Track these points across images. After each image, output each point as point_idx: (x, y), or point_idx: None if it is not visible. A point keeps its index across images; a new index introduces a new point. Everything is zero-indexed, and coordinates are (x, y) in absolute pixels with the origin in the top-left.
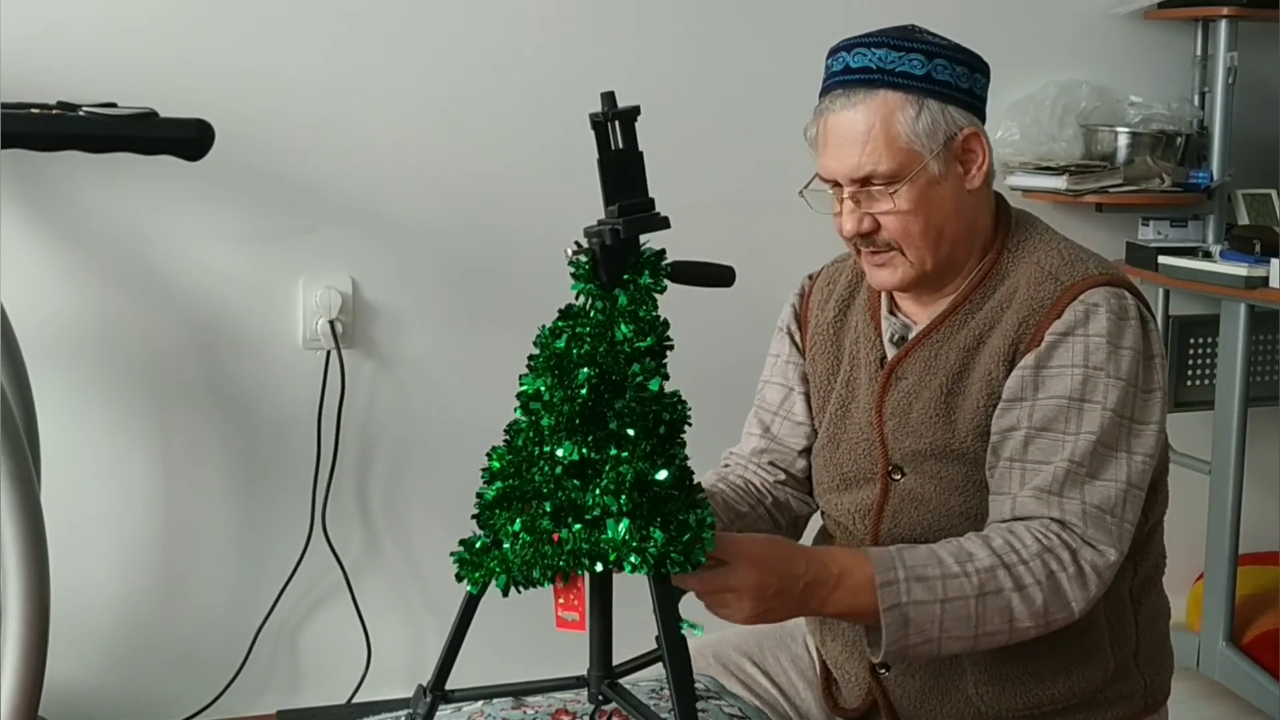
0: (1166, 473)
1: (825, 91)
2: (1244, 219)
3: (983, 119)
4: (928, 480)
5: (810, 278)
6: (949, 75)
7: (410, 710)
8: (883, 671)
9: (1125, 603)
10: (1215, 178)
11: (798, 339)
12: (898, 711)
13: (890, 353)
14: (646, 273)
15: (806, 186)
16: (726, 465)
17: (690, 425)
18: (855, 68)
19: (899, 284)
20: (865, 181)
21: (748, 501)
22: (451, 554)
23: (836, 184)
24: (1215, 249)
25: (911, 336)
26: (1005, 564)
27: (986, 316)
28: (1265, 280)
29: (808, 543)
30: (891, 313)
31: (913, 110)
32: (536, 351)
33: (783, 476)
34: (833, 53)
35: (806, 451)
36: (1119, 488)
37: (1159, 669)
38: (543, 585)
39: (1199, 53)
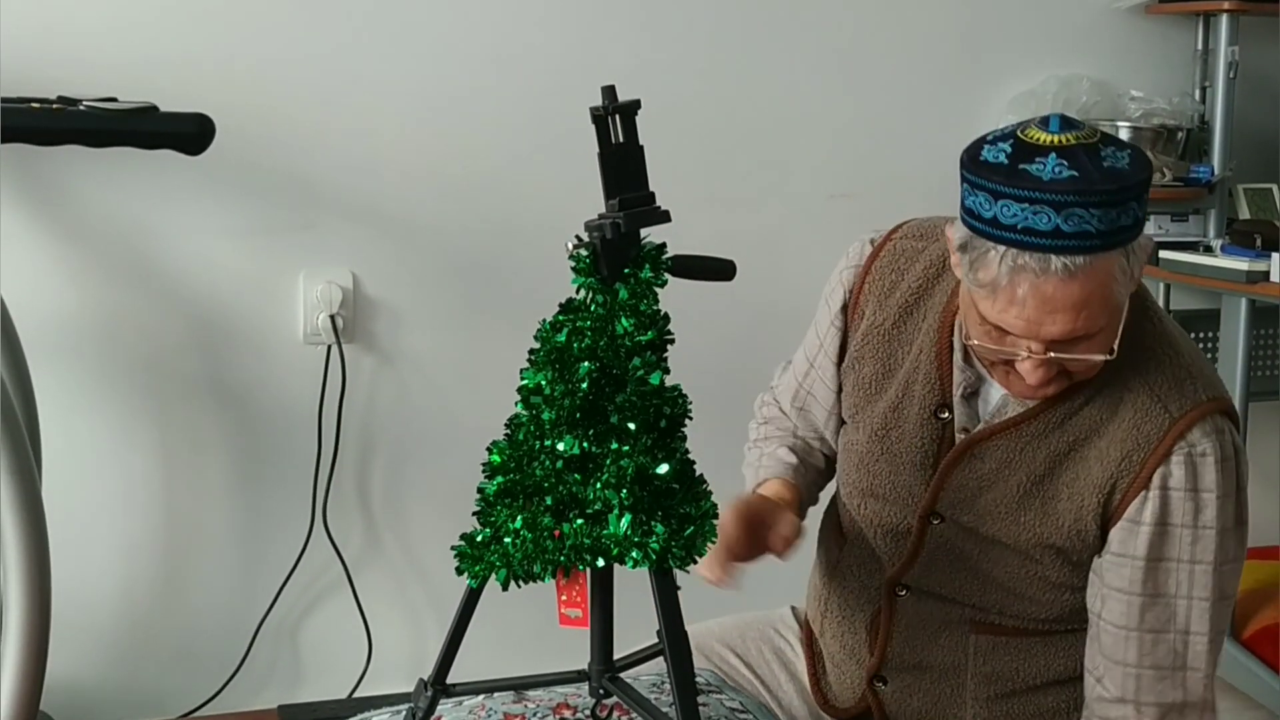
0: None
1: (1024, 246)
2: (1245, 214)
3: None
4: (973, 542)
5: (872, 243)
6: (1146, 209)
7: (411, 704)
8: (879, 685)
9: None
10: (1216, 172)
11: (840, 328)
12: None
13: (960, 411)
14: (647, 267)
15: (980, 341)
16: (766, 422)
17: (691, 419)
18: (1070, 233)
19: (1050, 395)
20: (1069, 340)
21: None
22: (452, 548)
23: (1014, 335)
24: (1216, 244)
25: (1004, 418)
26: None
27: (1086, 421)
28: (1266, 275)
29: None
30: (966, 360)
31: (1127, 263)
32: (537, 345)
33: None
34: (1026, 200)
35: (824, 427)
36: (1211, 657)
37: None
38: (544, 580)
39: (1200, 47)
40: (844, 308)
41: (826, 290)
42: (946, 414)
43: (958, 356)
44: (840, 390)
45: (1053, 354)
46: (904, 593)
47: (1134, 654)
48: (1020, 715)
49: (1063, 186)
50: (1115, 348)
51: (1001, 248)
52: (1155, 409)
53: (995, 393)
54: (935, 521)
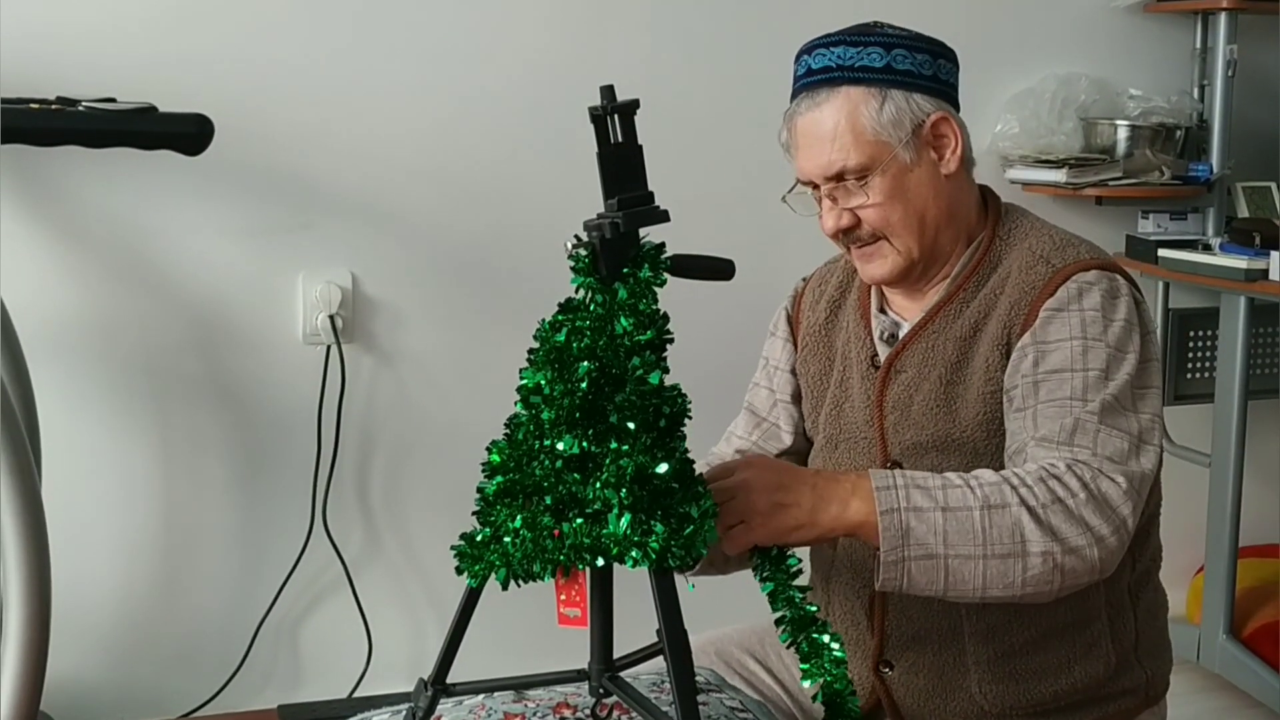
0: (1160, 466)
1: (793, 96)
2: (1243, 212)
3: (954, 105)
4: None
5: (804, 280)
6: (909, 64)
7: (411, 704)
8: (885, 670)
9: (1124, 596)
10: (1215, 170)
11: (789, 342)
12: (901, 711)
13: (881, 351)
14: (646, 266)
15: (790, 191)
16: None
17: (690, 418)
18: (816, 68)
19: (890, 274)
20: (839, 178)
21: None
22: (452, 548)
23: (814, 185)
24: (1215, 242)
25: (906, 330)
26: (1011, 484)
27: (981, 304)
28: (1265, 273)
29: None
30: (882, 310)
31: (875, 102)
32: (536, 345)
33: None
34: (797, 57)
35: (784, 455)
36: (1130, 439)
37: (1159, 662)
38: (543, 580)
39: (1198, 45)
40: (789, 320)
41: (770, 324)
42: (879, 360)
43: (874, 309)
44: (799, 401)
45: (825, 189)
46: None
47: (1028, 434)
48: (1023, 673)
49: (818, 37)
50: (883, 192)
51: (788, 108)
52: (1038, 264)
53: (909, 327)
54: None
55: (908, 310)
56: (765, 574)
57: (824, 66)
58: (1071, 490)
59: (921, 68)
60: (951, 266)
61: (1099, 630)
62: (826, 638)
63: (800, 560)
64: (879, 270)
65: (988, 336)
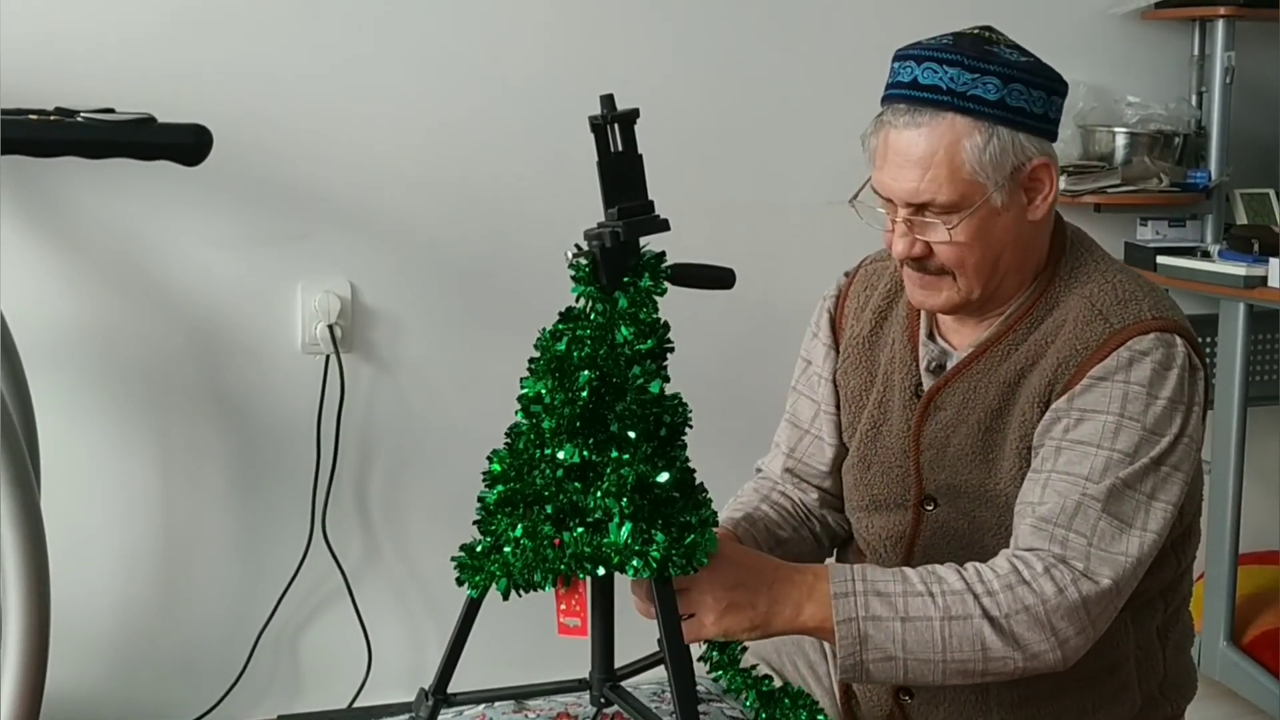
0: (1200, 514)
1: (889, 100)
2: (1242, 219)
3: (1054, 140)
4: (961, 517)
5: (847, 276)
6: (1024, 100)
7: (412, 714)
8: (905, 698)
9: (1153, 640)
10: (1213, 177)
11: (832, 349)
12: None
13: (926, 381)
14: (646, 275)
15: (856, 196)
16: (764, 479)
17: (691, 427)
18: (924, 84)
19: (940, 308)
20: (922, 207)
21: (790, 524)
22: (452, 558)
23: (890, 202)
24: (1213, 249)
25: (951, 365)
26: (975, 592)
27: (1030, 350)
28: (1264, 280)
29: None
30: (930, 337)
31: (981, 139)
32: (537, 354)
33: (815, 495)
34: (901, 58)
35: (834, 470)
36: (1132, 531)
37: (1183, 693)
38: (544, 589)
39: (1196, 53)
40: (831, 324)
41: (811, 321)
42: (923, 390)
43: (923, 334)
44: (838, 412)
45: (904, 213)
46: None
47: (1029, 506)
48: (1045, 715)
49: (930, 43)
50: (968, 234)
51: (879, 109)
52: (1095, 320)
53: (956, 360)
54: (929, 508)
55: (957, 336)
56: (715, 659)
57: (933, 85)
58: (1044, 596)
59: (1034, 105)
60: (1010, 304)
61: (1127, 674)
62: (789, 700)
63: (744, 645)
64: (932, 302)
65: (1029, 388)
